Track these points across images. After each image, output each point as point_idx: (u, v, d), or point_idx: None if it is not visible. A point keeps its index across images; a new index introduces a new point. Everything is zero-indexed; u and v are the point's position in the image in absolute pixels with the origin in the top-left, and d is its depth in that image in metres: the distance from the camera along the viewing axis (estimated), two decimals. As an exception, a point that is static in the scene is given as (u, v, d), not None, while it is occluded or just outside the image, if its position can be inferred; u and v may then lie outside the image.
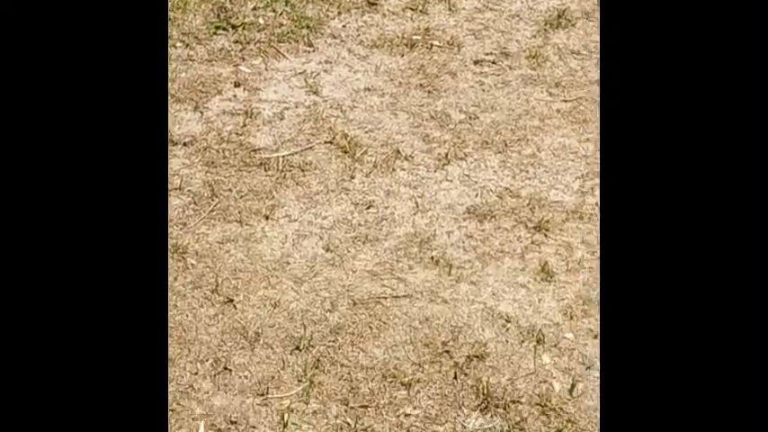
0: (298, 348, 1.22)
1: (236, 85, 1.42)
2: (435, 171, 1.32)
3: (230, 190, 1.30)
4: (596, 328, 1.47)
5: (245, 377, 1.26)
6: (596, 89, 1.72)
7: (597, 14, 1.88)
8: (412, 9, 1.61)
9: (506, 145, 1.38)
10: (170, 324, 1.17)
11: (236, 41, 1.51)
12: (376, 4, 1.63)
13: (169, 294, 1.03)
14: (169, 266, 1.11)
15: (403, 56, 1.54)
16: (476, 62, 1.51)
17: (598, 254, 1.41)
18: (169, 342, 1.39)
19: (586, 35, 1.71)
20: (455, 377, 1.24)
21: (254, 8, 1.58)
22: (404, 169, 1.32)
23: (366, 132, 1.38)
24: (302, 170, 1.33)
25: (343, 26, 1.58)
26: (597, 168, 1.53)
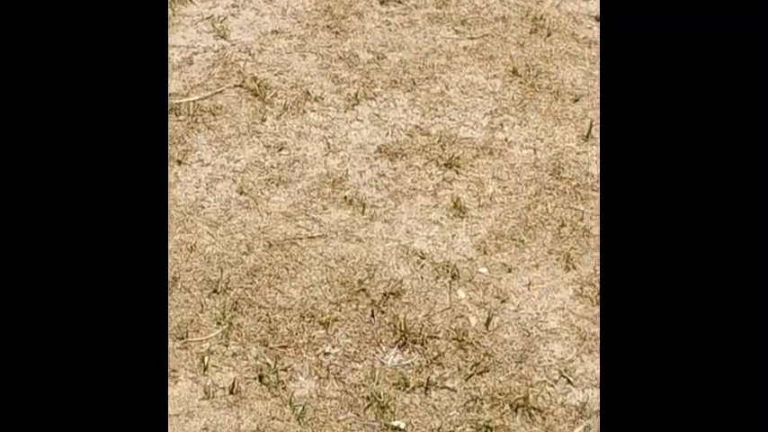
0: (215, 291, 1.22)
1: None
2: (345, 111, 1.32)
3: (139, 136, 1.26)
4: (510, 263, 1.50)
5: (164, 322, 1.28)
6: (502, 25, 1.67)
7: None
8: None
9: (415, 84, 1.37)
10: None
11: None
12: None
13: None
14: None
15: None
16: (382, 2, 1.49)
17: (509, 189, 1.44)
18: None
19: None
20: (372, 315, 1.26)
21: None
22: (314, 111, 1.31)
23: (275, 75, 1.36)
24: (213, 114, 1.31)
25: None
26: (505, 104, 1.57)
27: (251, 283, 1.21)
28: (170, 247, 1.26)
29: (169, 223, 1.28)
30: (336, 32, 1.43)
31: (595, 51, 1.57)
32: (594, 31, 1.63)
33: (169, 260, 1.29)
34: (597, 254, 1.42)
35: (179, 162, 1.23)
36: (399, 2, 1.51)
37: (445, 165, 1.28)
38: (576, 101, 1.42)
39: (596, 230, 1.40)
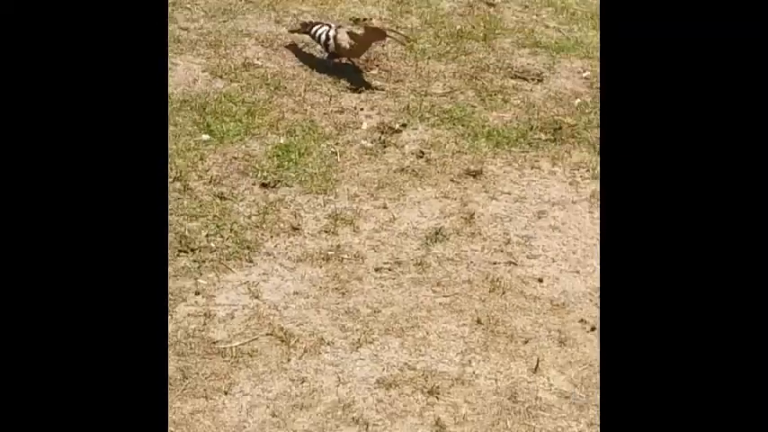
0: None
1: (197, 293, 1.75)
2: (351, 352, 1.66)
3: (197, 373, 1.57)
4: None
5: None
6: (468, 286, 1.97)
7: (467, 228, 2.12)
8: (326, 232, 2.01)
9: (403, 331, 1.73)
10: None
11: (195, 261, 1.86)
12: (298, 229, 2.01)
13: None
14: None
15: (321, 267, 1.90)
16: (377, 269, 1.89)
17: (478, 410, 1.70)
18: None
19: (458, 246, 2.03)
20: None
21: (207, 235, 1.95)
22: (327, 352, 1.66)
23: (297, 326, 1.72)
24: (251, 356, 1.64)
25: (275, 246, 1.96)
26: (473, 346, 1.81)
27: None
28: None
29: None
30: (342, 293, 1.83)
31: (540, 304, 1.93)
32: (539, 289, 2.00)
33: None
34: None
35: (225, 393, 1.54)
36: (389, 269, 1.91)
37: (428, 392, 1.59)
38: (526, 342, 1.73)
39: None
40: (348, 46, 2.54)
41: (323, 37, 2.57)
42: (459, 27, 3.01)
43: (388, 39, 2.63)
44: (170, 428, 1.44)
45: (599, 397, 1.28)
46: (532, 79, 2.72)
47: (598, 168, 2.12)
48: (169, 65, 2.43)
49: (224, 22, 2.88)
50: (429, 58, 2.81)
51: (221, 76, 2.60)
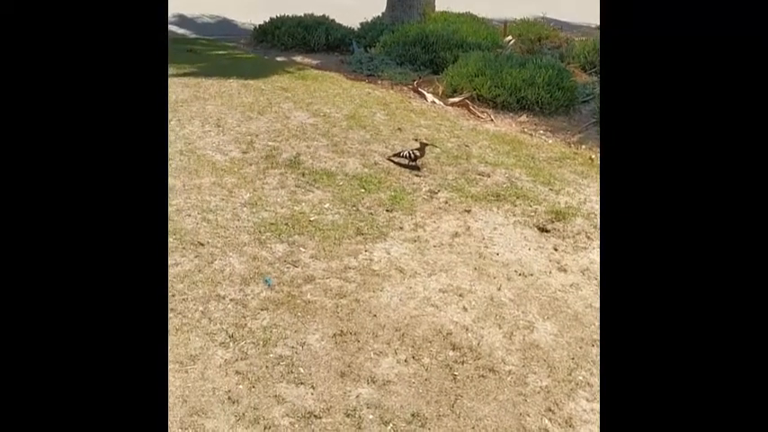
0: None
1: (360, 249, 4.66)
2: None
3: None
4: None
5: None
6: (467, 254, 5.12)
7: (466, 232, 5.45)
8: (414, 228, 5.03)
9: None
10: None
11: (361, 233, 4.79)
12: (402, 228, 5.01)
13: None
14: None
15: (413, 243, 4.90)
16: (435, 246, 4.88)
17: None
18: None
19: (464, 239, 5.18)
20: None
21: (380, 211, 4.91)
22: (425, 264, 4.63)
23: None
24: (401, 262, 4.57)
25: (396, 234, 4.93)
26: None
27: None
28: None
29: None
30: (422, 253, 4.79)
31: (494, 258, 4.97)
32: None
33: None
34: None
35: (395, 272, 4.46)
36: (441, 244, 4.91)
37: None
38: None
39: None
40: (418, 154, 5.71)
41: (406, 153, 5.74)
42: (455, 154, 6.24)
43: (428, 146, 5.81)
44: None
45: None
46: (487, 176, 5.93)
47: (518, 210, 5.31)
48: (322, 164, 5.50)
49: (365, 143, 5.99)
50: (443, 164, 6.00)
51: (367, 167, 5.68)
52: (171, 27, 10.77)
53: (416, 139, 5.89)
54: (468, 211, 4.85)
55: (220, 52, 9.35)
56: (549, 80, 7.46)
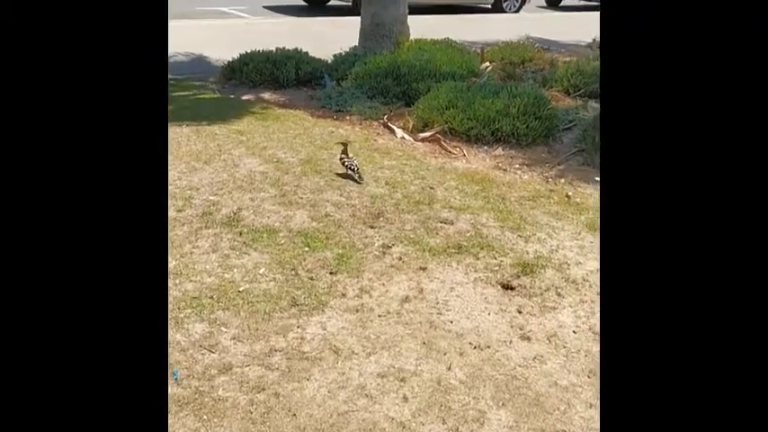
0: None
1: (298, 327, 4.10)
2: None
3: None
4: None
5: None
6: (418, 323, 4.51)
7: (419, 295, 4.76)
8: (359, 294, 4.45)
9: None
10: None
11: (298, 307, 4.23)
12: (345, 295, 4.43)
13: None
14: None
15: (353, 315, 4.31)
16: (379, 315, 4.31)
17: None
18: None
19: (415, 304, 4.50)
20: None
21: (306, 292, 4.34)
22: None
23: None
24: (341, 337, 3.99)
25: (335, 304, 4.36)
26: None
27: None
28: None
29: None
30: (363, 326, 4.22)
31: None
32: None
33: None
34: None
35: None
36: (386, 314, 4.34)
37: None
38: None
39: None
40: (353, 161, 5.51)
41: (351, 166, 5.52)
42: (417, 199, 5.61)
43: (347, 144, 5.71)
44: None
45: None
46: (450, 223, 5.35)
47: (480, 265, 4.71)
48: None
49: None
50: (403, 212, 5.40)
51: (315, 220, 5.12)
52: (140, 68, 10.30)
53: (340, 143, 5.98)
54: (424, 269, 4.28)
55: (183, 93, 8.88)
56: (525, 109, 6.92)
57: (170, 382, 3.32)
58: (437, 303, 4.12)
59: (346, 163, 5.57)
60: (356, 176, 5.54)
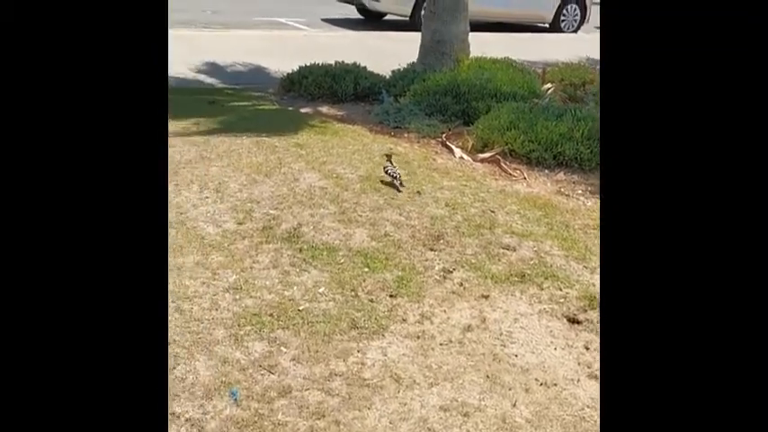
0: None
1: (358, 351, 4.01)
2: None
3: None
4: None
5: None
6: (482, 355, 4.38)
7: (482, 324, 4.60)
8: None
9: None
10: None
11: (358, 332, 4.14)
12: (406, 320, 4.33)
13: None
14: None
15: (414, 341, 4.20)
16: (440, 344, 4.18)
17: None
18: None
19: (478, 334, 4.32)
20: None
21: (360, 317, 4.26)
22: (430, 366, 3.93)
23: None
24: (401, 365, 3.89)
25: (396, 329, 4.26)
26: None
27: None
28: None
29: None
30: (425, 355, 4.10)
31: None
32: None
33: None
34: None
35: (393, 377, 3.77)
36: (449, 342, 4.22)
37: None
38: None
39: None
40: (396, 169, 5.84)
41: (394, 173, 5.75)
42: (478, 222, 5.53)
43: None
44: None
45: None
46: (512, 249, 5.21)
47: (545, 296, 4.56)
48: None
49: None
50: (463, 235, 5.31)
51: (375, 240, 5.06)
52: (199, 76, 10.49)
53: (385, 154, 6.30)
54: (486, 297, 4.15)
55: (243, 103, 8.95)
56: (590, 133, 6.74)
57: (229, 402, 3.26)
58: (500, 334, 3.99)
59: (389, 171, 5.80)
60: (398, 184, 5.73)
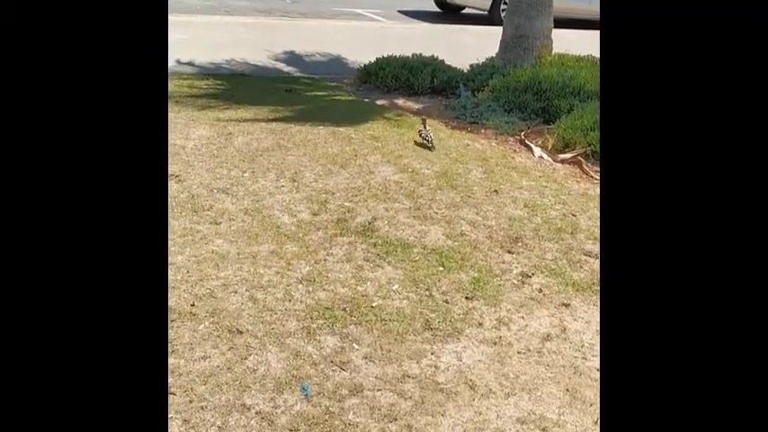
0: None
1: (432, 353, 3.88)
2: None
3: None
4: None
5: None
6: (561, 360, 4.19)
7: (561, 335, 4.30)
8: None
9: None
10: None
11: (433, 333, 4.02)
12: (482, 324, 4.18)
13: None
14: None
15: (491, 347, 4.05)
16: (518, 352, 4.01)
17: None
18: None
19: (558, 344, 4.07)
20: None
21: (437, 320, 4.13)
22: (505, 374, 3.78)
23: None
24: (476, 371, 3.75)
25: (471, 332, 4.12)
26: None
27: None
28: None
29: None
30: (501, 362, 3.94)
31: (595, 369, 4.00)
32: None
33: None
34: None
35: (467, 383, 3.64)
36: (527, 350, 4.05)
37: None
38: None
39: None
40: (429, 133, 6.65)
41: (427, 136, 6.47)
42: (559, 226, 5.30)
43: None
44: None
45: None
46: (594, 257, 4.96)
47: None
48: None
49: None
50: (543, 239, 5.10)
51: (450, 239, 4.92)
52: (278, 65, 10.54)
53: (422, 119, 6.91)
54: (567, 306, 3.96)
55: (320, 93, 8.93)
56: (680, 139, 6.35)
57: (300, 397, 3.19)
58: (582, 346, 3.79)
59: (423, 134, 6.44)
60: (429, 145, 6.36)
